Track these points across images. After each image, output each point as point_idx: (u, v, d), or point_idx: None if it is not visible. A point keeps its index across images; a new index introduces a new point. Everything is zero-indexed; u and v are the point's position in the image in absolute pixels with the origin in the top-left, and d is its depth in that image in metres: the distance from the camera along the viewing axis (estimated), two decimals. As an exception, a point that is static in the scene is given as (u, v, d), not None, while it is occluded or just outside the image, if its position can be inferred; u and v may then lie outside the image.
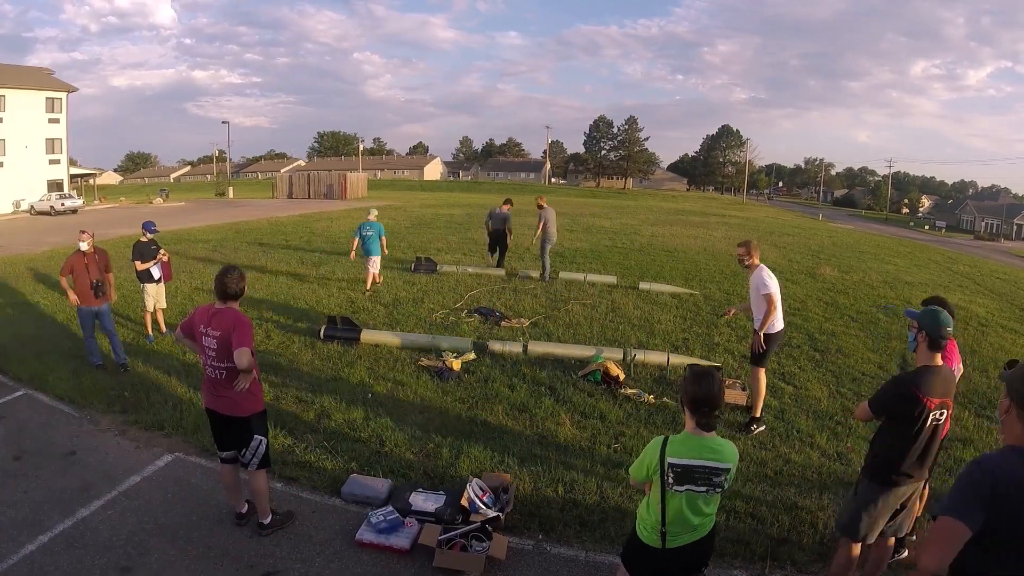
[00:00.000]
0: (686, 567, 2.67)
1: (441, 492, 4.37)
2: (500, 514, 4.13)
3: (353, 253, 11.27)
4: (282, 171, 70.36)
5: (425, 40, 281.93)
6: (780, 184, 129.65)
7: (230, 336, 3.58)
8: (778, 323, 5.73)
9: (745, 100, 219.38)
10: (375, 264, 10.62)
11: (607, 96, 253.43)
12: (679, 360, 7.32)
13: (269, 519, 4.03)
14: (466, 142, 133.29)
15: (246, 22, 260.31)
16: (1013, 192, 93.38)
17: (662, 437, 2.59)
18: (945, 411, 3.16)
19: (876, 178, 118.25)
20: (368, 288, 10.52)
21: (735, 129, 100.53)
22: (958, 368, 3.99)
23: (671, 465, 2.49)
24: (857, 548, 3.35)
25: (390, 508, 4.14)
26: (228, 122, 67.75)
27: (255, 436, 3.87)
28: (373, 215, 11.11)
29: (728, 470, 2.52)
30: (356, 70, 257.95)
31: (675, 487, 2.51)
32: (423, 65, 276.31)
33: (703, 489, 2.52)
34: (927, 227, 66.88)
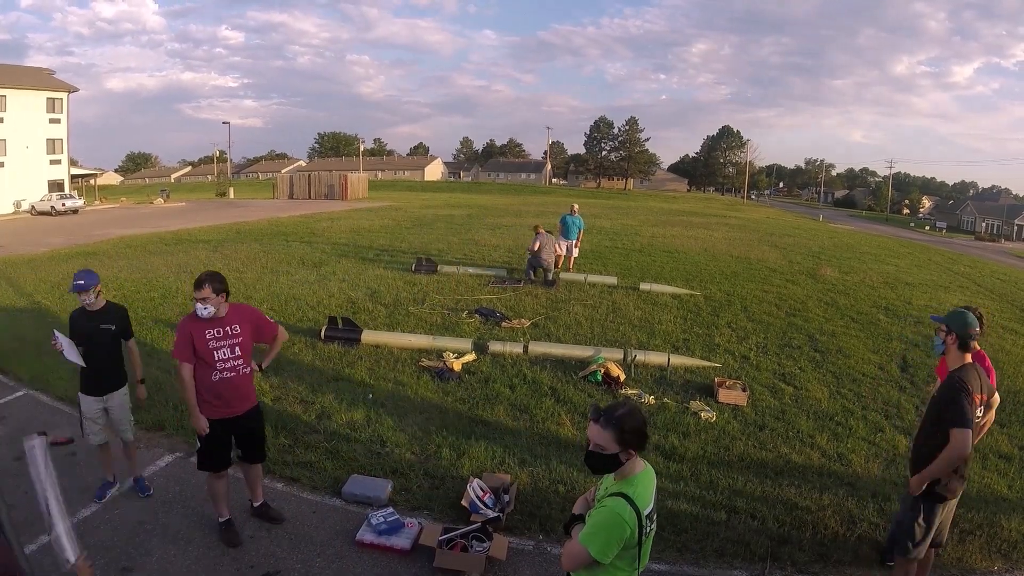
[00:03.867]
0: None
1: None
2: (501, 514, 4.14)
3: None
4: (283, 171, 70.36)
5: (417, 42, 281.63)
6: (780, 185, 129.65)
7: (255, 329, 3.81)
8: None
9: (736, 100, 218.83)
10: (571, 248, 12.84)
11: (598, 97, 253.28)
12: (679, 361, 7.33)
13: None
14: (467, 143, 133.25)
15: (237, 27, 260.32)
16: (1014, 193, 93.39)
17: (622, 500, 2.15)
18: (983, 409, 3.24)
19: (877, 179, 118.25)
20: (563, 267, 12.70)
21: (735, 130, 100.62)
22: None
23: (647, 516, 2.22)
24: (916, 563, 3.38)
25: (390, 509, 4.15)
26: (228, 123, 67.96)
27: (264, 422, 3.98)
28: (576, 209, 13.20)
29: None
30: (350, 72, 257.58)
31: (648, 530, 2.26)
32: (416, 67, 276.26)
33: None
34: (928, 228, 66.81)
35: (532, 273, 11.52)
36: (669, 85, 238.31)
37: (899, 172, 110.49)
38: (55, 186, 39.01)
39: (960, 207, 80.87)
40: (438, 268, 12.67)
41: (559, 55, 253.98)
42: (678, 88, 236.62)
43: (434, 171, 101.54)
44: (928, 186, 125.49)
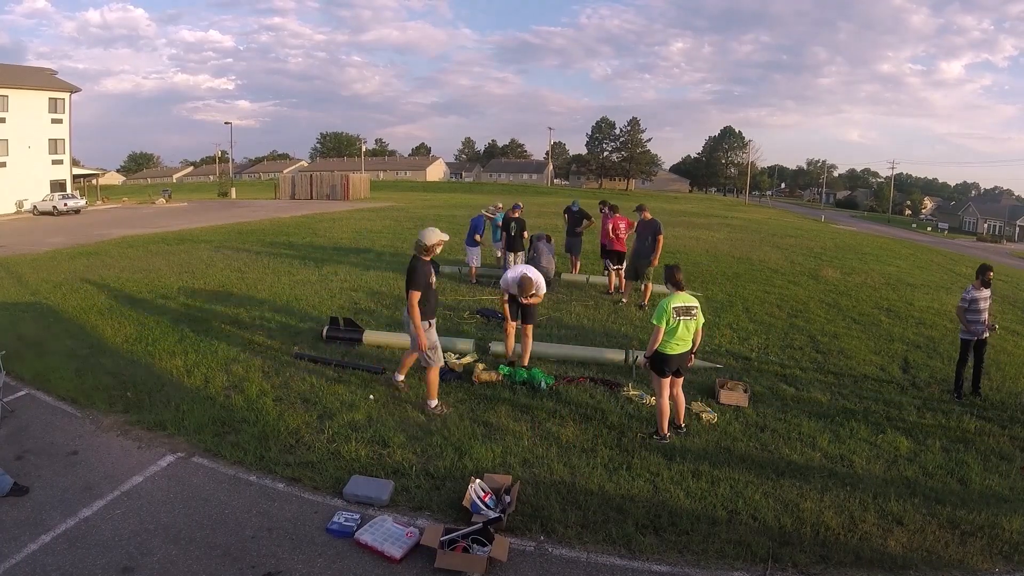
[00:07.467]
0: (679, 370, 5.53)
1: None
2: (502, 515, 4.14)
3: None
4: (285, 171, 70.49)
5: (413, 44, 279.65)
6: (783, 185, 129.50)
7: None
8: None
9: (735, 100, 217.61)
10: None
11: (596, 95, 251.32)
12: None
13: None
14: (468, 143, 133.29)
15: (229, 30, 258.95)
16: (1016, 194, 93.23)
17: (666, 299, 5.35)
18: None
19: (879, 180, 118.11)
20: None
21: (737, 131, 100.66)
22: None
23: (675, 308, 5.28)
24: None
25: (357, 513, 4.20)
26: (231, 123, 68.09)
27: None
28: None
29: (696, 307, 5.42)
30: (345, 73, 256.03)
31: (678, 317, 5.27)
32: (413, 68, 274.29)
33: (688, 317, 5.33)
34: (929, 228, 66.76)
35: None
36: (658, 84, 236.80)
37: (901, 173, 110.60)
38: (57, 186, 39.04)
39: (962, 208, 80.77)
40: (440, 269, 12.66)
41: (556, 56, 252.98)
42: (671, 88, 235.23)
43: (436, 171, 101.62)
44: (930, 187, 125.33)
